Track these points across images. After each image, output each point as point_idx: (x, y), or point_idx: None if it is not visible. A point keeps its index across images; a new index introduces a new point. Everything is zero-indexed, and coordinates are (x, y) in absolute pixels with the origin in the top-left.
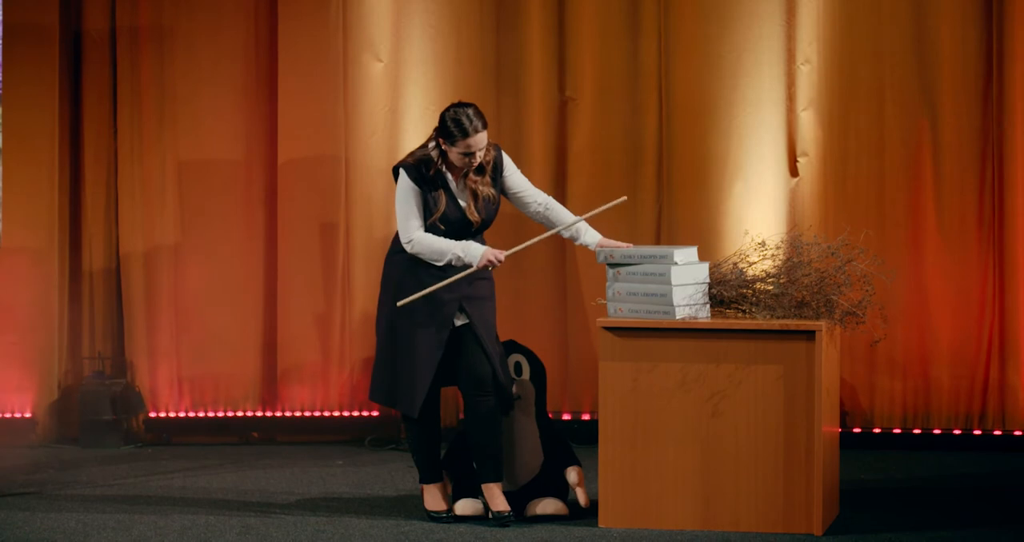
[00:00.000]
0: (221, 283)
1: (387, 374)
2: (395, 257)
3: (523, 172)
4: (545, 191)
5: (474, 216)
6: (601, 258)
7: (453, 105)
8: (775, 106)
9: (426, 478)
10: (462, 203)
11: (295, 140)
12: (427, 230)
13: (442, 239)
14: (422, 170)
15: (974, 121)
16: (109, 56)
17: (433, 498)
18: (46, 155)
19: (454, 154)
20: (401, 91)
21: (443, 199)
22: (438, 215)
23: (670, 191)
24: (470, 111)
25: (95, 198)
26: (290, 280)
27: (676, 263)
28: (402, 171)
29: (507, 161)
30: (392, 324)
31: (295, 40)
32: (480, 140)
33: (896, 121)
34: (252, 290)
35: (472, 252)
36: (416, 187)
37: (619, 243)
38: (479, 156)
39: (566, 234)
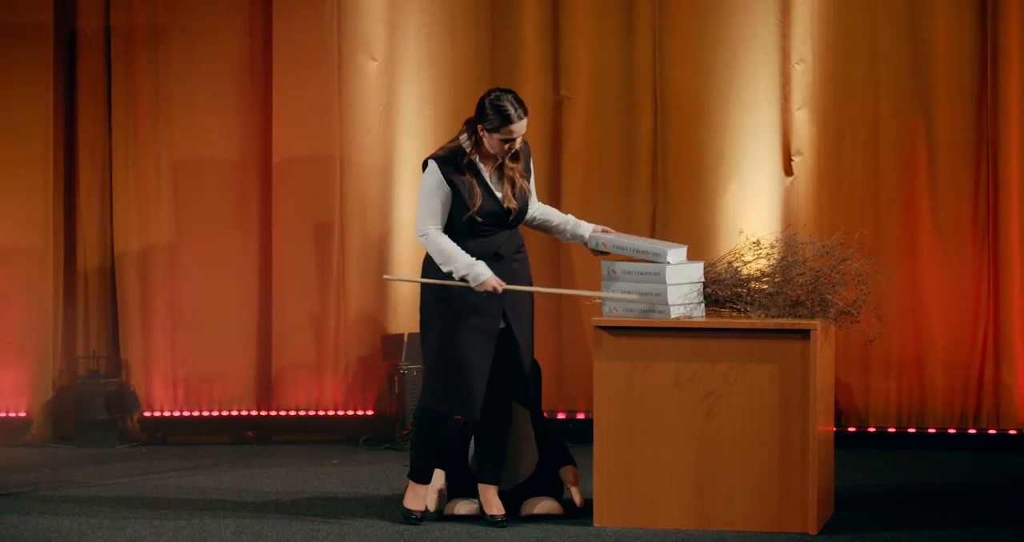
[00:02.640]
0: (216, 282)
1: (440, 380)
2: (430, 263)
3: None
4: (540, 189)
5: (512, 203)
6: (593, 244)
7: (493, 90)
8: (770, 105)
9: (420, 477)
10: (498, 194)
11: (290, 139)
12: (465, 224)
13: (455, 247)
14: (455, 162)
15: (969, 120)
16: (104, 55)
17: (416, 497)
18: (40, 155)
19: (493, 141)
20: (396, 90)
21: (478, 191)
22: (475, 209)
23: (665, 190)
24: (511, 97)
25: (90, 198)
26: (285, 279)
27: (669, 263)
28: (432, 164)
29: (531, 160)
30: (441, 330)
31: (290, 39)
32: (522, 127)
33: (891, 120)
34: (247, 289)
35: (477, 274)
36: (446, 183)
37: (609, 229)
38: (519, 143)
39: (567, 237)
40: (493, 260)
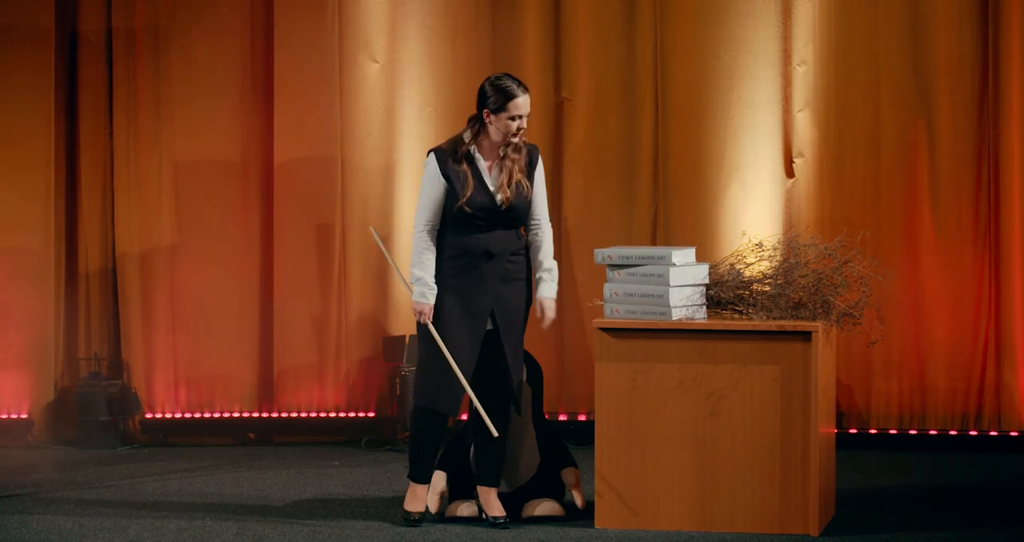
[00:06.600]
0: (217, 284)
1: (426, 377)
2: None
3: None
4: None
5: (505, 193)
6: (599, 259)
7: (490, 76)
8: (771, 107)
9: (418, 477)
10: (491, 187)
11: (291, 141)
12: (456, 215)
13: (430, 259)
14: (454, 152)
15: (970, 122)
16: (105, 57)
17: (415, 499)
18: (42, 157)
19: (500, 123)
20: (397, 92)
21: (471, 181)
22: (464, 199)
23: (666, 192)
24: (510, 76)
25: (91, 199)
26: (286, 281)
27: (674, 264)
28: (431, 155)
29: (540, 164)
30: (428, 329)
31: (291, 41)
32: (526, 102)
33: (892, 122)
34: (248, 291)
35: (420, 293)
36: (441, 175)
37: (553, 304)
38: (525, 122)
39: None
40: (483, 258)
